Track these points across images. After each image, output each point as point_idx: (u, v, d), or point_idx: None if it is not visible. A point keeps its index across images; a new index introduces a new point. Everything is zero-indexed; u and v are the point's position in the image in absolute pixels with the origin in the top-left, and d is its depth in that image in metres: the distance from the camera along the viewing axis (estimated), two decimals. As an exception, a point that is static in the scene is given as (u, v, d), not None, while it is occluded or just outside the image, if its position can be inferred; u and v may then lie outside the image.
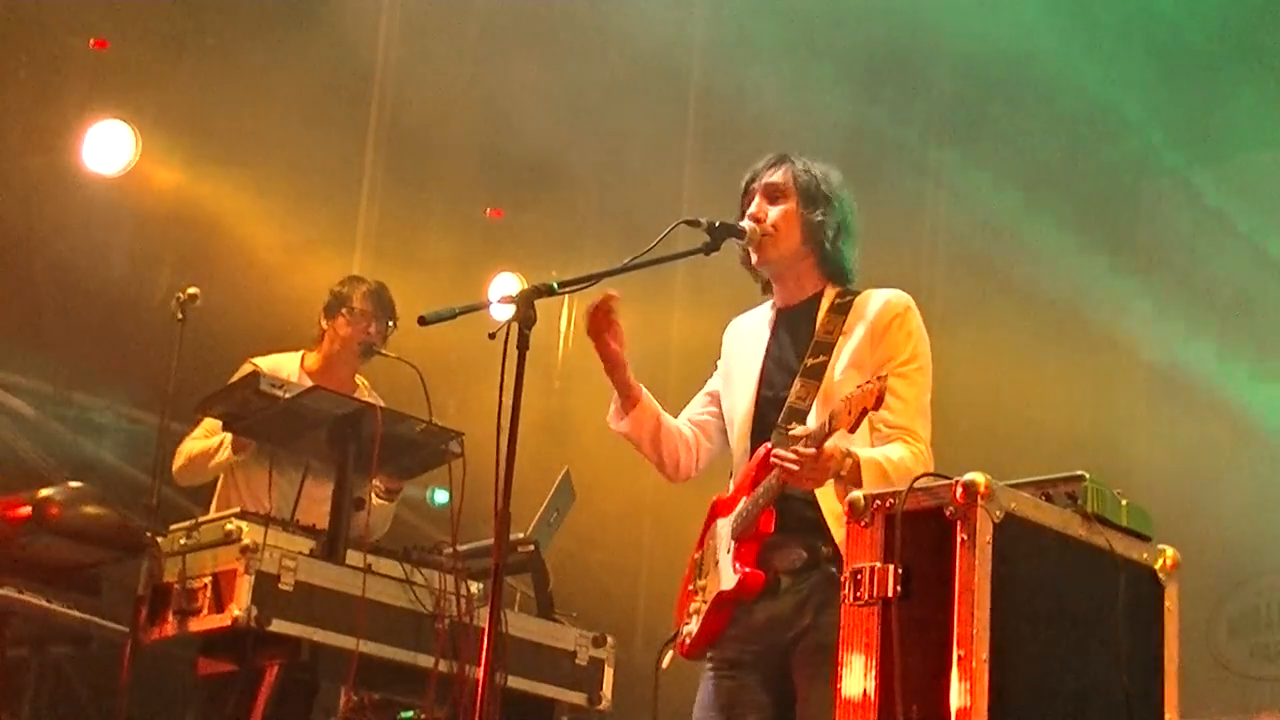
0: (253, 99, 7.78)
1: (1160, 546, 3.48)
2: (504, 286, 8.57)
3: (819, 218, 4.11)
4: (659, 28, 8.98)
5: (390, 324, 5.85)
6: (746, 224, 4.09)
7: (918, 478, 3.27)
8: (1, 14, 7.52)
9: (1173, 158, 9.16)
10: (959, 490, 3.17)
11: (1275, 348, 8.87)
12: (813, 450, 3.71)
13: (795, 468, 3.74)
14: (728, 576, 3.97)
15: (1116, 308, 9.28)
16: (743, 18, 9.23)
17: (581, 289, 4.09)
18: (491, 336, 3.77)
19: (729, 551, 3.98)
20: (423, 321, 3.95)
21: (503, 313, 3.89)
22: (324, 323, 5.86)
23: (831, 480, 3.79)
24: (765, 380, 4.11)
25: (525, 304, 3.78)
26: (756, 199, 4.15)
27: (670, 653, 4.09)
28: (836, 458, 3.75)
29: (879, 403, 3.65)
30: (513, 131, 8.79)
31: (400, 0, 8.74)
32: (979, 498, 3.14)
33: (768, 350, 4.15)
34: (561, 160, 9.03)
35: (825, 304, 4.09)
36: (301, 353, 5.87)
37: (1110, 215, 9.48)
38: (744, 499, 3.98)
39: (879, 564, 3.22)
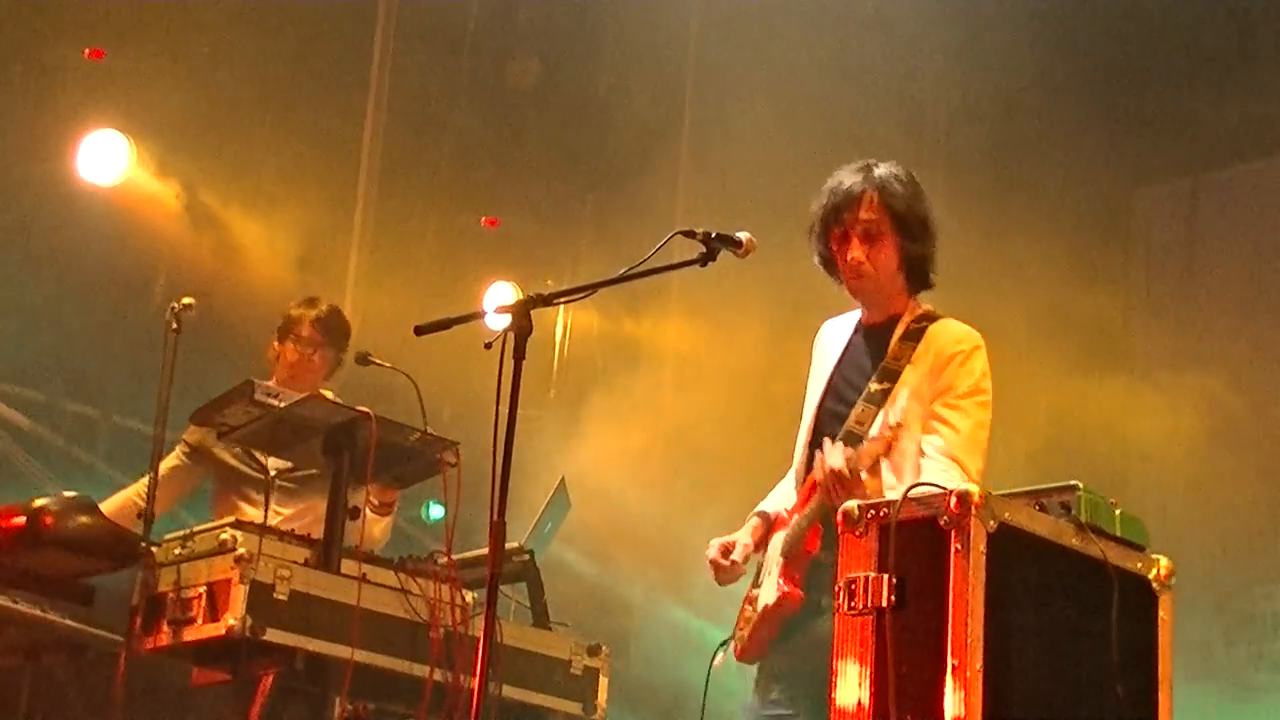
0: (248, 109, 7.78)
1: (1155, 556, 3.48)
2: (499, 296, 8.56)
3: (920, 250, 4.07)
4: (653, 34, 8.99)
5: (339, 353, 5.74)
6: (744, 235, 4.01)
7: (911, 487, 3.28)
8: (-3, 23, 7.53)
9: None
10: (953, 500, 3.17)
11: (1269, 351, 8.87)
12: (847, 474, 3.74)
13: (835, 488, 3.76)
14: (770, 592, 4.01)
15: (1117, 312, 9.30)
16: (733, 21, 9.23)
17: (577, 298, 4.09)
18: (488, 346, 3.77)
19: (777, 566, 4.02)
20: (418, 331, 3.95)
21: (499, 322, 3.89)
22: (275, 345, 5.80)
23: None
24: (831, 391, 4.11)
25: (521, 314, 3.79)
26: (854, 242, 4.05)
27: (722, 654, 4.11)
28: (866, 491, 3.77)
29: (889, 450, 3.72)
30: (509, 139, 8.81)
31: (396, 7, 8.75)
32: (973, 507, 3.15)
33: (840, 361, 4.14)
34: (557, 168, 9.04)
35: (900, 329, 4.06)
36: (273, 379, 5.75)
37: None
38: (796, 516, 4.02)
39: (873, 573, 3.22)
